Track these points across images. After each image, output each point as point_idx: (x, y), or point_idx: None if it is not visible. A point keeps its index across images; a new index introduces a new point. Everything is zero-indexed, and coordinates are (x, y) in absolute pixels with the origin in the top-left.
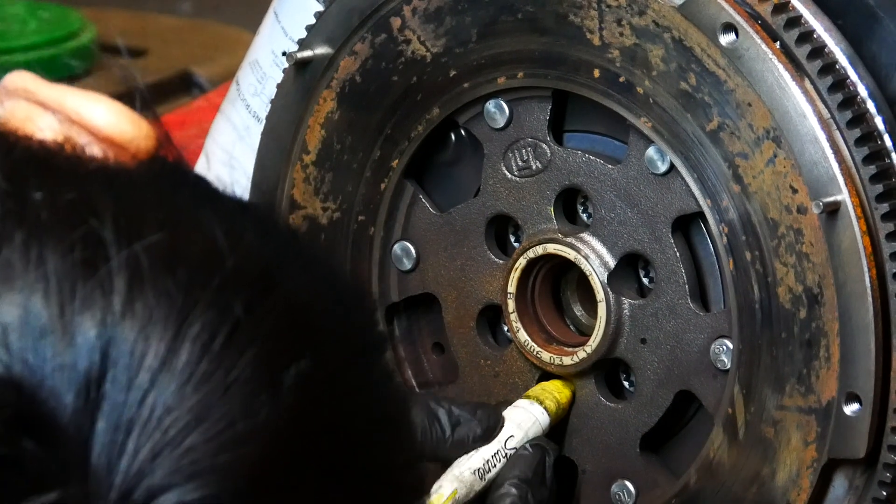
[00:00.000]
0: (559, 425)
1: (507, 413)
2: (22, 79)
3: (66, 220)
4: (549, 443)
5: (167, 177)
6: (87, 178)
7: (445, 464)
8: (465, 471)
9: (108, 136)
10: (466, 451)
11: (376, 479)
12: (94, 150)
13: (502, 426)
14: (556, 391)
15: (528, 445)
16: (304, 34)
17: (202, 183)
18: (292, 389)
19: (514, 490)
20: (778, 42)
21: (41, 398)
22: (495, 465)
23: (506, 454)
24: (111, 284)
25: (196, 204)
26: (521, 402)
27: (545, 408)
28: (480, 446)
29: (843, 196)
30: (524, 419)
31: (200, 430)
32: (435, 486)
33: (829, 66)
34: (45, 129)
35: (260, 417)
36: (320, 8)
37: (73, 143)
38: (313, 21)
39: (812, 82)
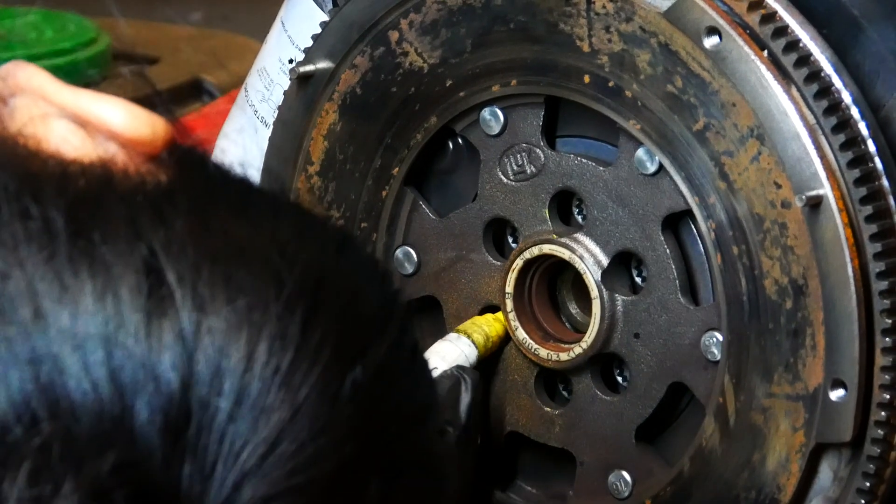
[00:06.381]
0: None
1: (436, 346)
2: (37, 77)
3: (129, 261)
4: (469, 370)
5: (203, 187)
6: (138, 210)
7: None
8: None
9: (127, 137)
10: None
11: (425, 467)
12: (114, 150)
13: None
14: (486, 325)
15: (446, 372)
16: (309, 43)
17: (233, 182)
18: (349, 400)
19: None
20: (766, 50)
21: (137, 450)
22: None
23: None
24: (181, 330)
25: (236, 215)
26: (450, 336)
27: (473, 341)
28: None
29: (825, 190)
30: (449, 352)
31: (274, 456)
32: None
33: (815, 74)
34: (61, 135)
35: (326, 436)
36: (326, 18)
37: (111, 164)
38: (319, 30)
39: (798, 89)
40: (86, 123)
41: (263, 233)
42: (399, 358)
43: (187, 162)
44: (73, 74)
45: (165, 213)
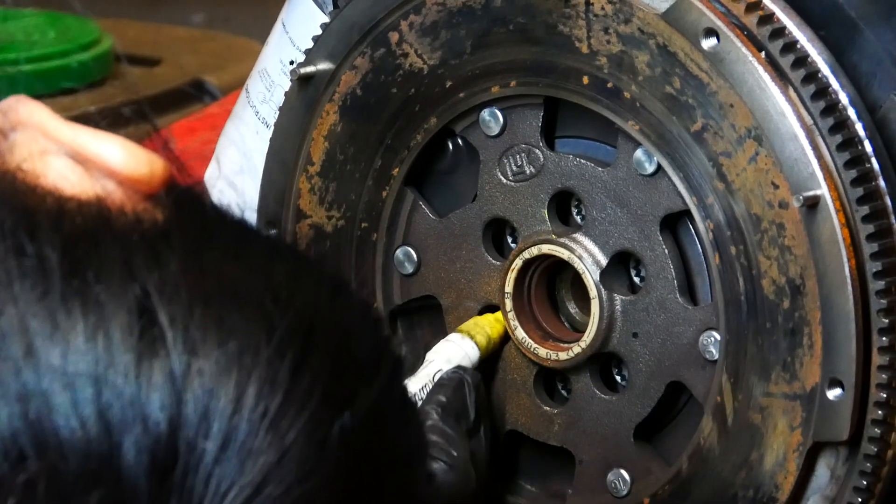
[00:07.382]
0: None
1: (439, 347)
2: (38, 113)
3: (122, 301)
4: (470, 371)
5: (199, 228)
6: (133, 249)
7: None
8: None
9: (125, 175)
10: None
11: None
12: (112, 188)
13: (423, 361)
14: (488, 326)
15: (448, 372)
16: (310, 44)
17: (230, 224)
18: (338, 444)
19: (433, 414)
20: (763, 52)
21: (123, 489)
22: (423, 399)
23: None
24: (171, 371)
25: (231, 257)
26: (452, 337)
27: (476, 342)
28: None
29: (823, 190)
30: (454, 354)
31: (260, 499)
32: None
33: (812, 75)
34: (59, 172)
35: (313, 480)
36: (326, 19)
37: (108, 202)
38: (319, 32)
39: (796, 90)
40: (84, 160)
41: (258, 276)
42: (389, 403)
43: (185, 201)
44: (77, 75)
45: (161, 254)
